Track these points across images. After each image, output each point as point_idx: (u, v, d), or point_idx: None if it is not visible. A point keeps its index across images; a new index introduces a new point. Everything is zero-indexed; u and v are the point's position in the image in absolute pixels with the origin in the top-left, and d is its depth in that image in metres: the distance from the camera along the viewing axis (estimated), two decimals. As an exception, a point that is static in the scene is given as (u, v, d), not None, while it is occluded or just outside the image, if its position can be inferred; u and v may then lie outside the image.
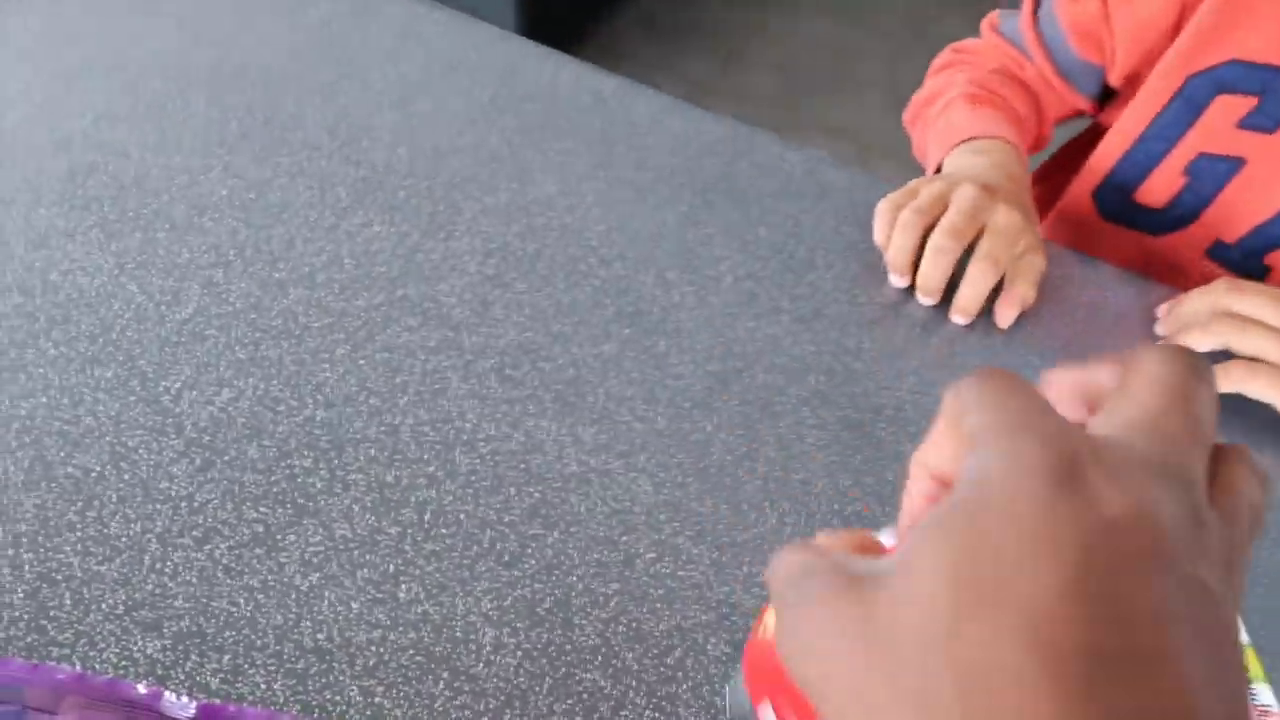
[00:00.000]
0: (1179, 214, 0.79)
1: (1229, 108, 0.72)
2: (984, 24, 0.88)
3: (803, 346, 0.61)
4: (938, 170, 0.79)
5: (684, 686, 0.45)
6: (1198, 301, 0.65)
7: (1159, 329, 0.67)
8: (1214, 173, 0.75)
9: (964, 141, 0.78)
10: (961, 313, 0.64)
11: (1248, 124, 0.72)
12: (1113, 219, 0.83)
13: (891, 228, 0.67)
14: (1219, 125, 0.73)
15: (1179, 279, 0.81)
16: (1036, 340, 0.65)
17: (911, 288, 0.66)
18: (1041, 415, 0.20)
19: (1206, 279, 0.80)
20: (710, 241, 0.67)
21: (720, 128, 0.76)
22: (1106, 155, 0.80)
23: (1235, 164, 0.74)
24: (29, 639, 0.42)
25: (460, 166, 0.69)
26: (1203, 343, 0.63)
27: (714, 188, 0.71)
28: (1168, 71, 0.74)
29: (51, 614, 0.43)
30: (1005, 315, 0.65)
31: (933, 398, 0.60)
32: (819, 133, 2.22)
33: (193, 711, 0.38)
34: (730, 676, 0.45)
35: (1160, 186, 0.78)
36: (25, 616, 0.42)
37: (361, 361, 0.55)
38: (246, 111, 0.70)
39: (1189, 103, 0.73)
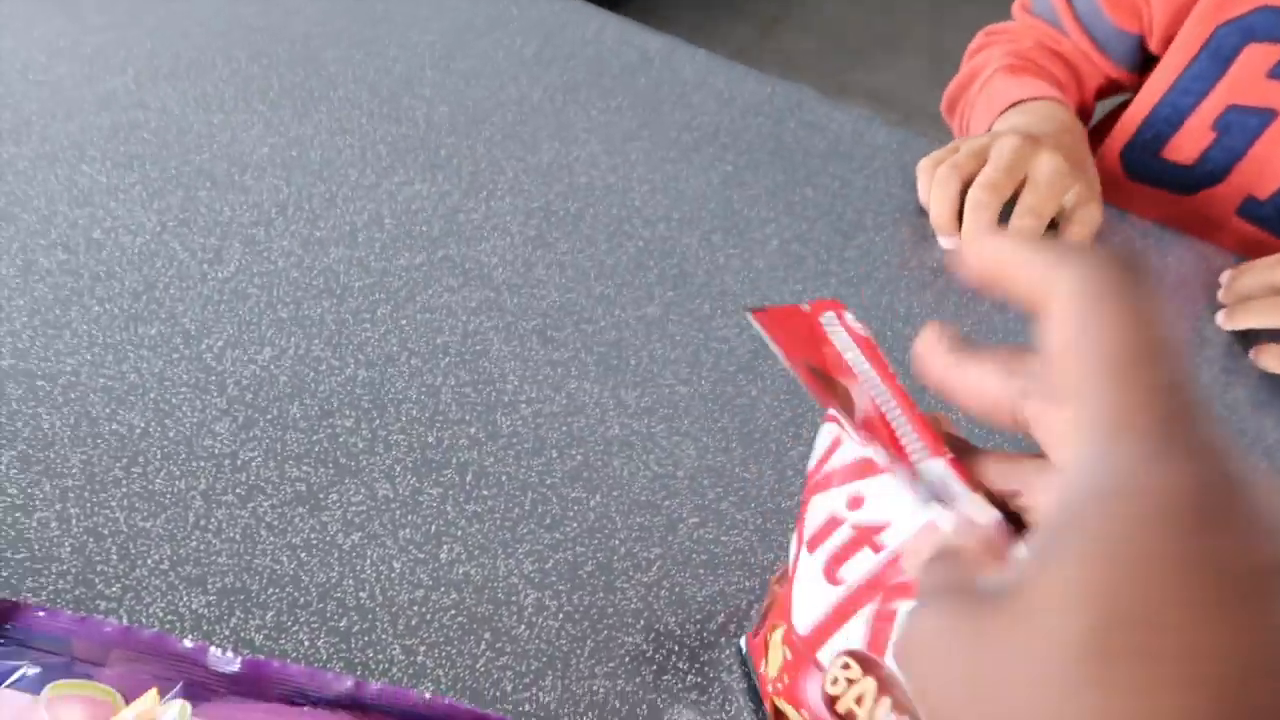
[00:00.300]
0: (1209, 170, 0.76)
1: (1259, 57, 0.70)
2: (1015, 6, 0.86)
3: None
4: None
5: (727, 652, 0.44)
6: (1262, 274, 0.63)
7: (1221, 296, 0.64)
8: (1244, 126, 0.73)
9: (1009, 108, 0.75)
10: None
11: (1278, 73, 0.69)
12: (1140, 179, 0.80)
13: (927, 173, 0.65)
14: (1249, 76, 0.70)
15: (1211, 240, 0.79)
16: (1092, 306, 0.63)
17: None
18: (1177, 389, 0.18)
19: (1239, 239, 0.78)
20: (756, 203, 0.65)
21: (766, 87, 0.74)
22: (1134, 114, 0.77)
23: (1266, 116, 0.72)
24: (77, 592, 0.42)
25: (502, 125, 0.68)
26: (1258, 320, 0.61)
27: (760, 148, 0.69)
28: (1196, 22, 0.71)
29: (99, 568, 0.43)
30: None
31: (984, 364, 0.59)
32: (861, 98, 2.17)
33: (238, 666, 0.38)
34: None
35: (1189, 142, 0.75)
36: (73, 570, 0.42)
37: (403, 321, 0.55)
38: (287, 68, 0.69)
39: (1217, 54, 0.71)
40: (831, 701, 0.33)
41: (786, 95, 0.74)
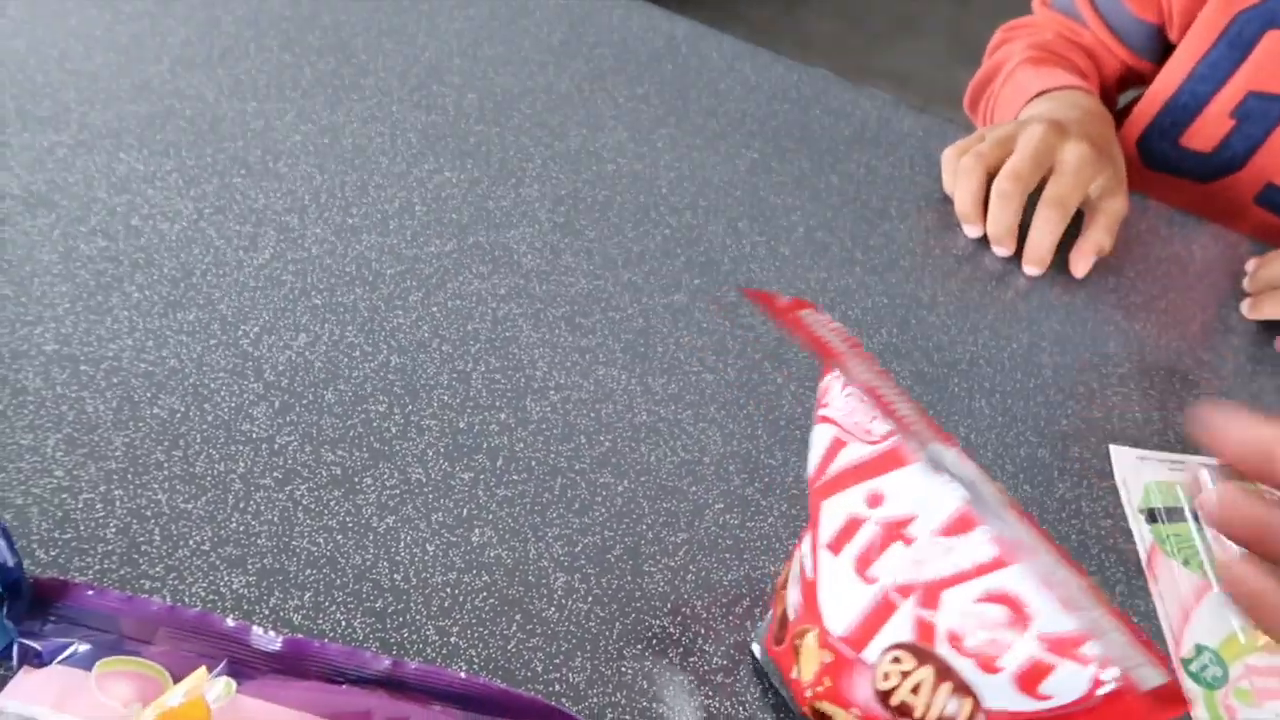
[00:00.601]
0: (1228, 158, 0.76)
1: (1279, 43, 0.69)
2: (1035, 1, 0.85)
3: (875, 298, 0.60)
4: None
5: (752, 636, 0.45)
6: None
7: (1246, 285, 0.64)
8: (1264, 113, 0.72)
9: (1034, 98, 0.75)
10: (1033, 263, 0.63)
11: None
12: (1157, 167, 0.80)
13: (952, 162, 0.65)
14: (1269, 62, 0.70)
15: (1229, 228, 0.78)
16: (1117, 295, 0.63)
17: (987, 238, 0.64)
18: None
19: (1257, 227, 0.77)
20: (782, 190, 0.66)
21: (793, 73, 0.74)
22: (1152, 102, 0.77)
23: None
24: (122, 572, 0.43)
25: (530, 112, 0.68)
26: None
27: (786, 135, 0.70)
28: (1216, 9, 0.70)
29: (142, 549, 0.44)
30: (1079, 265, 0.63)
31: (1008, 352, 0.59)
32: (882, 80, 2.16)
33: (279, 645, 0.39)
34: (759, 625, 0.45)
35: (1207, 130, 0.75)
36: (118, 550, 0.44)
37: (434, 308, 0.56)
38: (318, 55, 0.70)
39: (1237, 40, 0.70)
40: (885, 696, 0.34)
41: (812, 82, 0.74)
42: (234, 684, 0.37)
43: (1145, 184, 0.81)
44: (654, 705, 0.42)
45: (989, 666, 0.32)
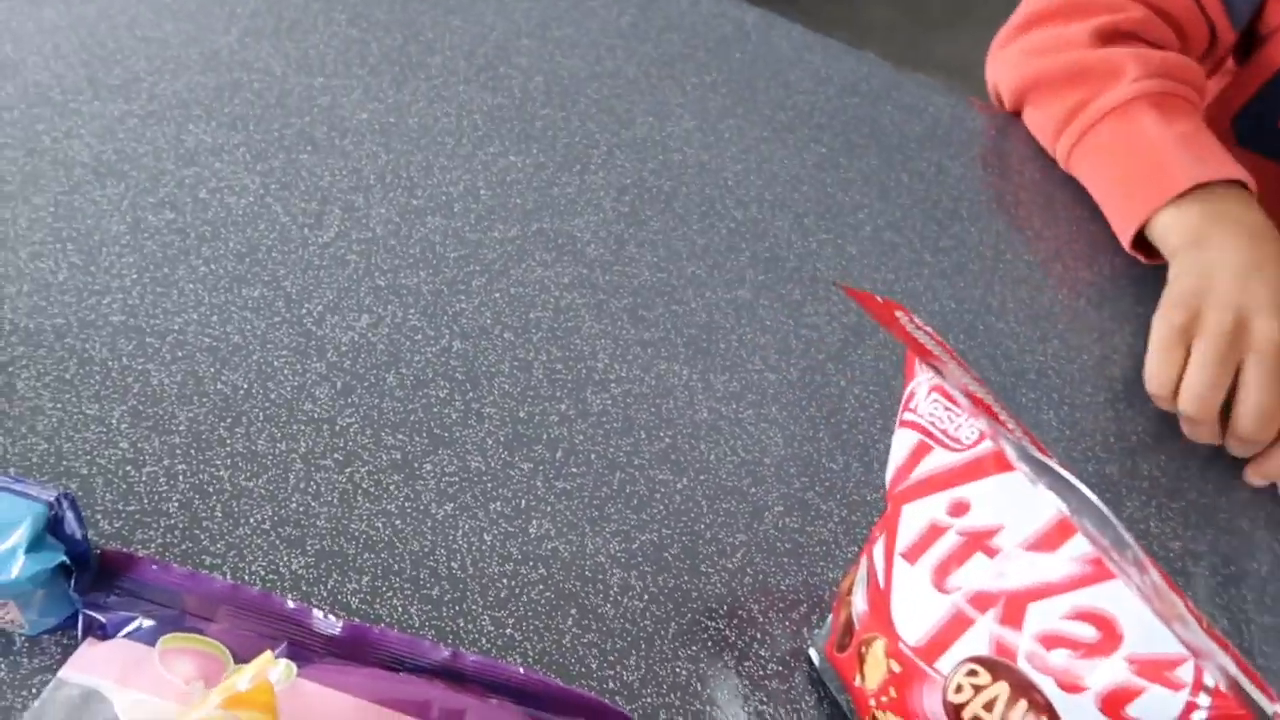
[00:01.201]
0: None
1: None
2: None
3: (943, 303, 0.59)
4: (1141, 229, 0.63)
5: (808, 642, 0.45)
6: None
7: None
8: None
9: (1188, 193, 0.62)
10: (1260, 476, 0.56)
11: None
12: (1251, 147, 0.76)
13: (1167, 374, 0.56)
14: None
15: None
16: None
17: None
18: None
19: None
20: (850, 187, 0.65)
21: (864, 66, 0.73)
22: (1250, 80, 0.74)
23: None
24: (184, 546, 0.44)
25: (597, 97, 0.67)
26: None
27: (855, 130, 0.68)
28: None
29: (204, 524, 0.44)
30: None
31: (1078, 364, 0.58)
32: (937, 70, 2.12)
33: (339, 630, 0.39)
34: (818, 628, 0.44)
35: None
36: (180, 525, 0.44)
37: (496, 294, 0.55)
38: (385, 32, 0.70)
39: None
40: (956, 710, 0.34)
41: (883, 75, 0.72)
42: (294, 667, 0.37)
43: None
44: (708, 708, 0.42)
45: (1072, 686, 0.31)
